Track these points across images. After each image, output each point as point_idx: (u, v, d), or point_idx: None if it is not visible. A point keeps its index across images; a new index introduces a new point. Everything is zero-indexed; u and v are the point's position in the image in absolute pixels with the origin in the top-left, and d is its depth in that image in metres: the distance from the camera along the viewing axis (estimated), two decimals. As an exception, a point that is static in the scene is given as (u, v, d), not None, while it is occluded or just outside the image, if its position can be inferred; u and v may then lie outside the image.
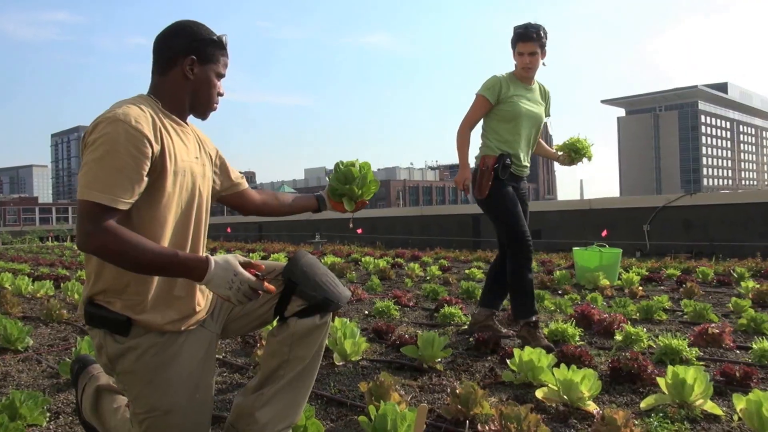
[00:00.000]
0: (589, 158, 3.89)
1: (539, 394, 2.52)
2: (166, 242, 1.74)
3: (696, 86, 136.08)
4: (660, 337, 3.24)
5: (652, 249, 9.71)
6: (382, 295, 5.84)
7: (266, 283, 1.67)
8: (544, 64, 3.55)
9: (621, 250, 6.36)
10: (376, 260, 8.40)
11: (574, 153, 3.86)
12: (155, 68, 1.82)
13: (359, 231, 12.59)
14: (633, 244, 9.77)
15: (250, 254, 12.22)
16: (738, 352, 3.40)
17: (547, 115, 3.78)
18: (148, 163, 1.64)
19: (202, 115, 1.92)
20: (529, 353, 2.77)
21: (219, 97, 1.91)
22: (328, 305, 1.90)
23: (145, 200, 1.68)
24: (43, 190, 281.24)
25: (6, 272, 7.72)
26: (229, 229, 13.03)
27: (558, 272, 6.29)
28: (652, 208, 10.18)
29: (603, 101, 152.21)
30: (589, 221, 10.56)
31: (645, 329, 3.77)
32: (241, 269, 1.62)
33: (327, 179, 2.52)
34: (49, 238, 19.72)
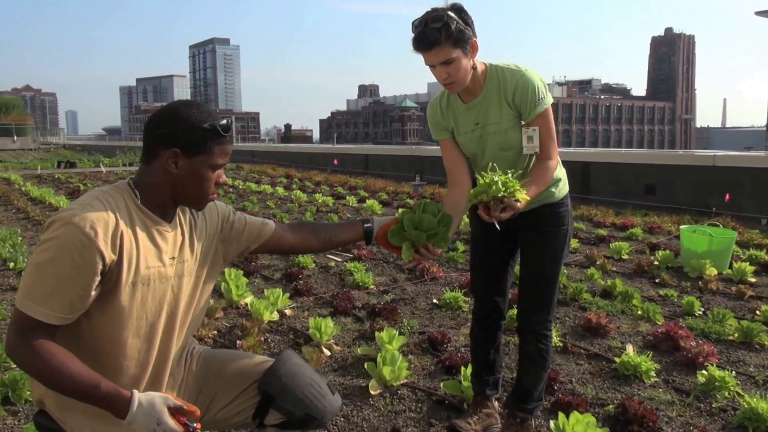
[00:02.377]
0: (520, 200, 2.02)
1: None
2: (122, 358, 1.59)
3: None
4: (746, 397, 2.75)
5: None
6: (462, 270, 5.54)
7: None
8: (474, 66, 2.17)
9: (735, 234, 5.57)
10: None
11: (497, 202, 2.00)
12: (142, 155, 1.62)
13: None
14: (764, 207, 8.62)
15: (351, 191, 12.20)
16: None
17: (526, 118, 2.21)
18: (97, 277, 1.47)
19: (195, 208, 1.70)
20: None
21: (218, 187, 1.67)
22: (309, 422, 1.71)
23: (97, 311, 1.53)
24: (182, 98, 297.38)
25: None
26: (336, 161, 12.87)
27: (660, 253, 5.65)
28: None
29: (758, 13, 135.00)
30: (713, 179, 9.40)
31: (740, 361, 3.27)
32: (166, 418, 1.42)
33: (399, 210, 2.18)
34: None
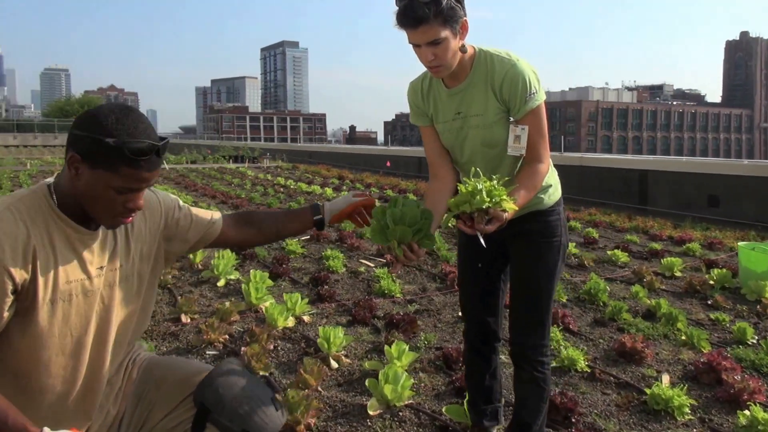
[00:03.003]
0: (508, 210, 1.77)
1: None
2: (46, 377, 1.47)
3: None
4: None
5: None
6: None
7: None
8: (464, 48, 1.94)
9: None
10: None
11: (481, 213, 1.74)
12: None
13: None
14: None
15: (401, 194, 12.01)
16: None
17: (515, 115, 1.96)
18: (8, 298, 1.35)
19: (104, 226, 1.50)
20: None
21: (136, 211, 1.46)
22: None
23: (17, 331, 1.41)
24: (253, 99, 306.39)
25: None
26: (388, 163, 12.61)
27: (716, 271, 5.20)
28: None
29: None
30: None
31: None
32: None
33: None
34: (229, 159, 21.15)
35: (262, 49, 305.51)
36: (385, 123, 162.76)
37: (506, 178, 1.80)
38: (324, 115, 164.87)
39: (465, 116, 2.03)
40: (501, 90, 1.95)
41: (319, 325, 4.02)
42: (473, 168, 1.85)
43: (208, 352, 3.55)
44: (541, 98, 1.97)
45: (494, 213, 1.70)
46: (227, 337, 3.73)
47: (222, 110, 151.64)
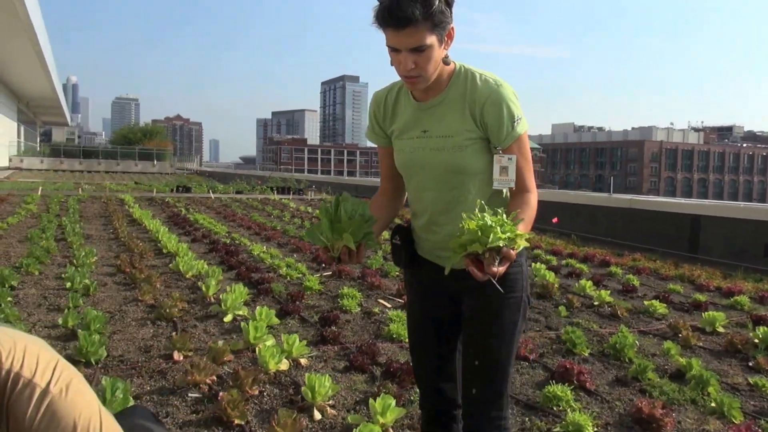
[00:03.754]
0: (517, 247, 1.55)
1: None
2: None
3: None
4: None
5: None
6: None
7: None
8: (447, 60, 1.73)
9: None
10: (546, 268, 7.28)
11: (493, 253, 1.49)
12: None
13: (555, 220, 11.22)
14: None
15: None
16: None
17: (501, 143, 1.74)
18: None
19: None
20: None
21: None
22: None
23: None
24: (312, 132, 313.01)
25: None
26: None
27: (763, 329, 4.72)
28: None
29: None
30: None
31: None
32: None
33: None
34: (274, 190, 21.32)
35: (323, 83, 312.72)
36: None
37: (514, 213, 1.59)
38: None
39: (429, 136, 1.80)
40: (482, 113, 1.73)
41: (316, 370, 3.81)
42: (479, 201, 1.60)
43: (190, 395, 3.37)
44: (525, 124, 1.77)
45: (506, 252, 1.48)
46: (215, 378, 3.53)
47: (281, 142, 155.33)
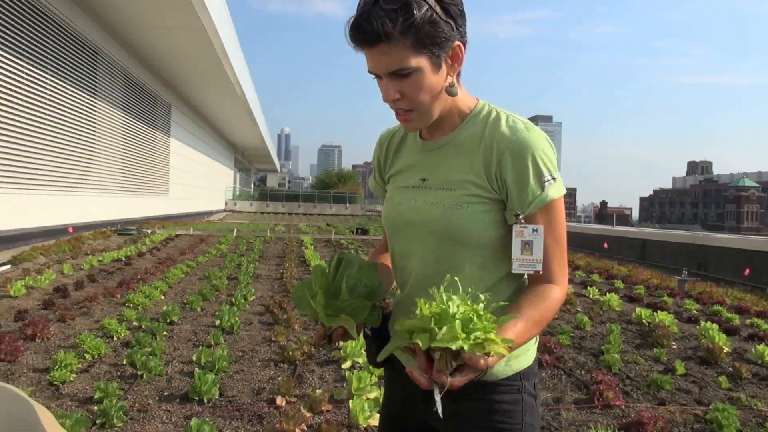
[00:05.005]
0: (493, 355, 1.08)
1: None
2: None
3: None
4: None
5: None
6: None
7: None
8: (453, 90, 1.30)
9: None
10: (718, 329, 6.31)
11: (447, 355, 1.06)
12: None
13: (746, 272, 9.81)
14: None
15: (608, 280, 10.84)
16: None
17: (524, 208, 1.28)
18: None
19: None
20: None
21: None
22: None
23: None
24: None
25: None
26: (606, 245, 11.29)
27: None
28: None
29: None
30: None
31: None
32: None
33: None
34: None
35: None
36: (641, 199, 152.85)
37: (501, 303, 1.22)
38: (574, 189, 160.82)
39: (428, 186, 1.37)
40: (500, 162, 1.27)
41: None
42: (448, 275, 1.14)
43: (276, 442, 3.40)
44: (562, 188, 1.31)
45: (469, 359, 1.05)
46: (304, 427, 3.54)
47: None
